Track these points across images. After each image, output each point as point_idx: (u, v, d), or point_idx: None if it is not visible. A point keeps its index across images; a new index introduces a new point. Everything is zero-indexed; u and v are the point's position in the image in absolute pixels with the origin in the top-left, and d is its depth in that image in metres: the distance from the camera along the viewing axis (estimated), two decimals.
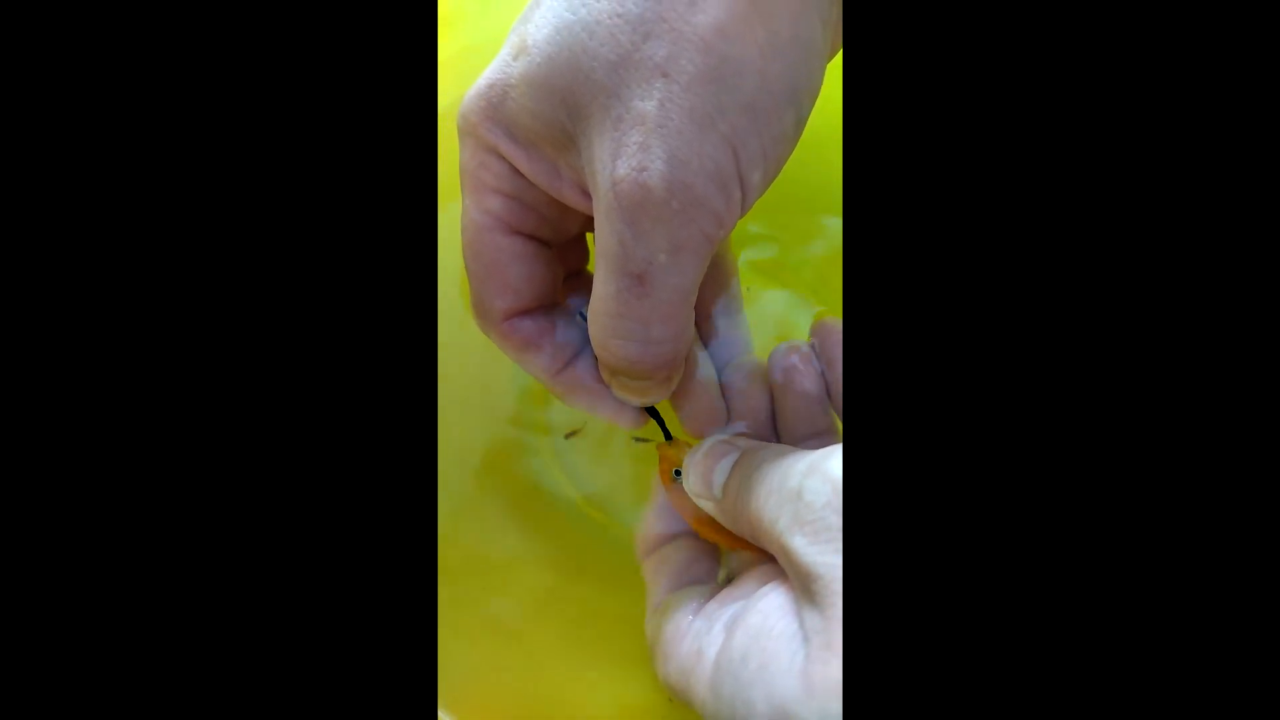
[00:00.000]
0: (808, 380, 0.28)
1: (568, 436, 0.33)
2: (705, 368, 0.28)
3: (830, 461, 0.21)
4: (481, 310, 0.26)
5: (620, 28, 0.21)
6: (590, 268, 0.30)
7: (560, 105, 0.22)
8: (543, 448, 0.33)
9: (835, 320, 0.28)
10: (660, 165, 0.21)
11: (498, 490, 0.32)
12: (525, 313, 0.26)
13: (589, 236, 0.29)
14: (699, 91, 0.20)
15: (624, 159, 0.21)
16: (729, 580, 0.26)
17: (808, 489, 0.21)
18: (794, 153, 0.23)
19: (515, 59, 0.23)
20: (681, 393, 0.27)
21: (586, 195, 0.23)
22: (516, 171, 0.24)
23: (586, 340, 0.26)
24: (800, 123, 0.22)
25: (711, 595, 0.25)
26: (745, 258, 0.35)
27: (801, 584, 0.21)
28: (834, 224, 0.35)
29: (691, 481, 0.26)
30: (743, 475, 0.24)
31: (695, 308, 0.24)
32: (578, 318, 0.27)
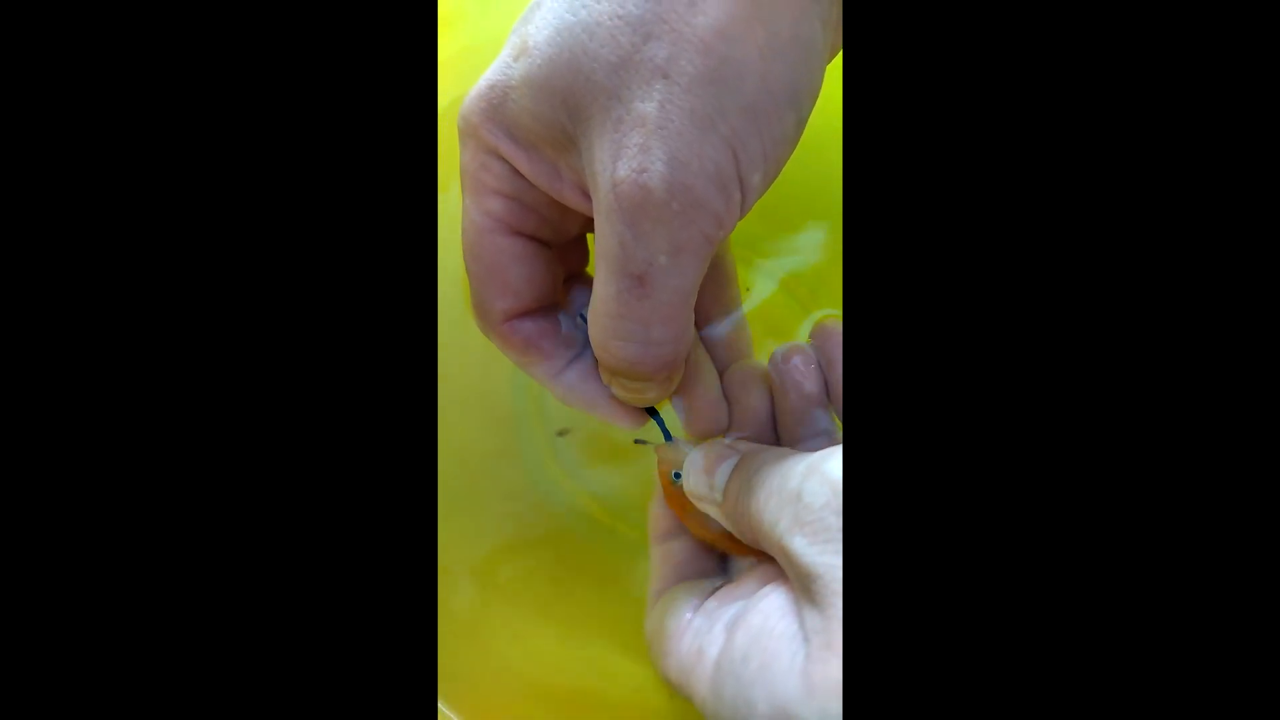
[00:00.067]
0: (808, 382, 0.28)
1: (559, 434, 0.33)
2: (705, 369, 0.28)
3: (829, 463, 0.21)
4: (482, 311, 0.26)
5: (621, 29, 0.21)
6: (590, 269, 0.30)
7: (561, 107, 0.22)
8: (542, 447, 0.33)
9: (836, 322, 0.28)
10: (661, 167, 0.21)
11: (497, 489, 0.33)
12: (526, 314, 0.26)
13: (589, 237, 0.29)
14: (699, 93, 0.20)
15: (624, 160, 0.21)
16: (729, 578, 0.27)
17: (807, 490, 0.21)
18: (793, 153, 0.23)
19: (516, 60, 0.23)
20: (682, 394, 0.27)
21: (587, 196, 0.23)
22: (517, 173, 0.24)
23: (586, 341, 0.26)
24: (800, 124, 0.22)
25: (712, 591, 0.25)
26: (744, 258, 0.35)
27: (801, 584, 0.21)
28: (833, 224, 0.35)
29: (692, 484, 0.26)
30: (743, 478, 0.24)
31: (695, 308, 0.24)
32: (578, 319, 0.27)
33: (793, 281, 0.35)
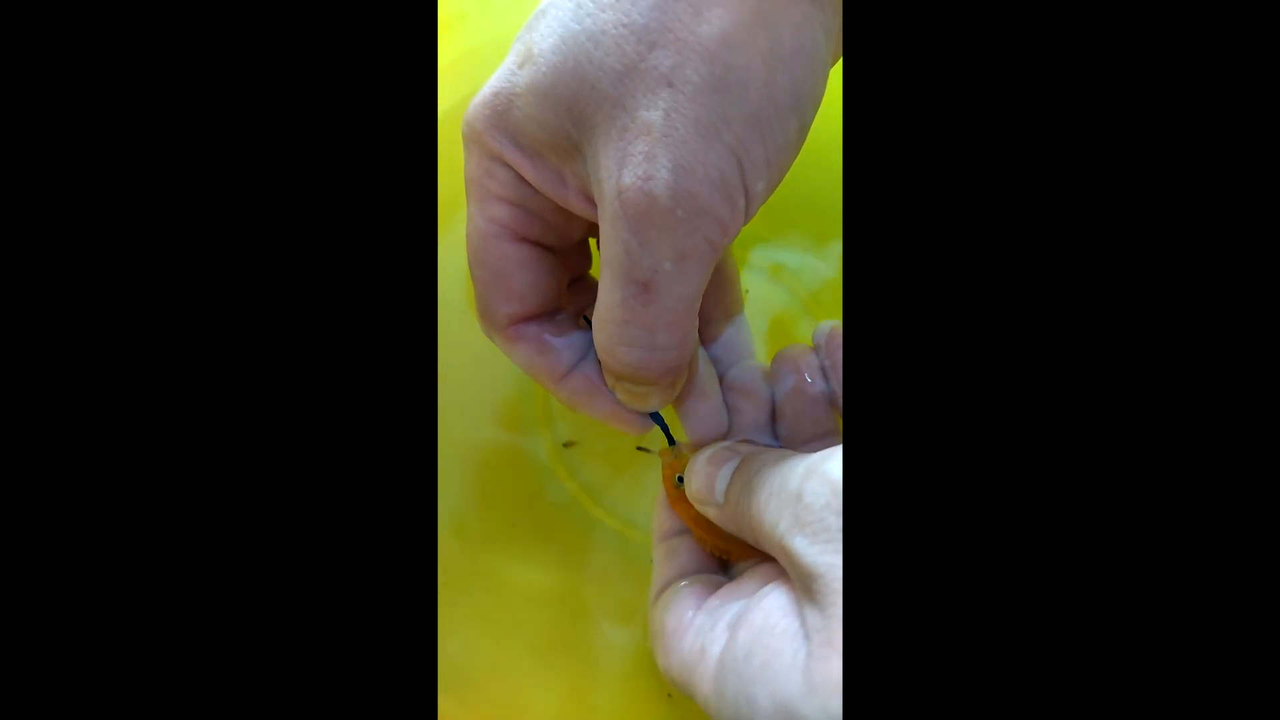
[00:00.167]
0: (811, 384, 0.28)
1: (566, 446, 0.33)
2: (708, 373, 0.28)
3: (829, 464, 0.21)
4: (487, 316, 0.26)
5: (625, 38, 0.21)
6: (594, 273, 0.30)
7: (565, 114, 0.22)
8: (543, 447, 0.33)
9: (839, 325, 0.28)
10: (665, 174, 0.21)
11: (497, 489, 0.33)
12: (530, 318, 0.26)
13: (592, 242, 0.29)
14: (704, 101, 0.20)
15: (630, 168, 0.21)
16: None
17: (807, 491, 0.21)
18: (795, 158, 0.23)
19: (520, 68, 0.23)
20: (685, 398, 0.27)
21: (592, 203, 0.23)
22: (522, 179, 0.24)
23: (590, 346, 0.26)
24: (803, 131, 0.22)
25: (714, 589, 0.25)
26: (745, 261, 0.35)
27: (802, 584, 0.21)
28: (833, 227, 0.35)
29: (694, 487, 0.26)
30: (744, 480, 0.24)
31: (698, 313, 0.24)
32: (582, 323, 0.27)
33: (793, 283, 0.35)
